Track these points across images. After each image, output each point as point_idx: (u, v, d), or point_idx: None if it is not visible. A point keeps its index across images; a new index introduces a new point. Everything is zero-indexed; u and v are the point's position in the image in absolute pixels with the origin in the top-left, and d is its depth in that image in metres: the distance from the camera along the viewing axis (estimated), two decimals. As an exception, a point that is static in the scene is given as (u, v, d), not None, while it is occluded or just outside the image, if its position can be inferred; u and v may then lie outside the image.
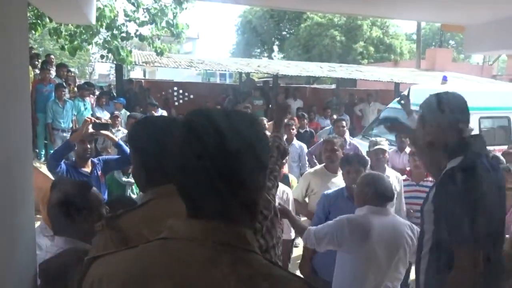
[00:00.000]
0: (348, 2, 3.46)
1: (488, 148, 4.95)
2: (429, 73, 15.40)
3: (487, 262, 1.80)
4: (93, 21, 3.45)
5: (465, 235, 1.77)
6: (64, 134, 7.34)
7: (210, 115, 0.89)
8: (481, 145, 2.03)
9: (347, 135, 6.36)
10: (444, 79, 9.98)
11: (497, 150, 7.56)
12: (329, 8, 4.28)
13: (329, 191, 3.32)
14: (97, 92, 10.99)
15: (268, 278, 0.87)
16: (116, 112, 7.56)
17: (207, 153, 0.85)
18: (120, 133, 7.06)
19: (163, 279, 0.86)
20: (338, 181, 3.65)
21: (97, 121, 3.65)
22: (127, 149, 3.71)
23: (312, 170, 4.14)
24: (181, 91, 13.38)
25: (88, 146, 3.51)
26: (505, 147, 7.99)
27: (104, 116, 8.18)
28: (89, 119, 3.47)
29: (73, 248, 1.81)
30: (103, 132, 3.70)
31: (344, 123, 6.07)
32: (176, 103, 12.90)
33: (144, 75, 31.18)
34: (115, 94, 10.79)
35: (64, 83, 8.11)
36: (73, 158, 3.57)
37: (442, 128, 2.01)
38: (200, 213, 0.90)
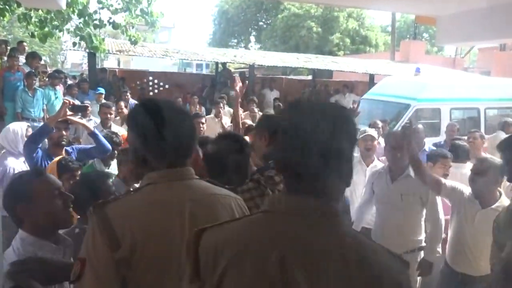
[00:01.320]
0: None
1: (459, 137, 5.06)
2: (403, 65, 15.63)
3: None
4: (63, 6, 3.36)
5: None
6: (35, 124, 7.12)
7: (317, 108, 1.06)
8: None
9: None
10: (417, 71, 10.18)
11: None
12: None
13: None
14: (69, 81, 10.72)
15: (361, 246, 1.01)
16: (87, 102, 7.37)
17: (319, 140, 0.99)
18: (91, 123, 6.91)
19: (269, 247, 0.99)
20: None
21: (75, 103, 3.56)
22: (103, 139, 3.64)
23: None
24: (156, 81, 13.18)
25: (64, 133, 3.43)
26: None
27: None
28: (67, 101, 3.39)
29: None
30: (78, 121, 3.62)
31: None
32: (151, 93, 12.71)
33: (119, 65, 30.55)
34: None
35: (34, 72, 7.86)
36: (46, 147, 3.47)
37: None
38: (300, 189, 1.03)
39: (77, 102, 8.17)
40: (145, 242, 1.25)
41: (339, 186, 1.07)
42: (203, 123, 5.39)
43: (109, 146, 3.64)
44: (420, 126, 5.38)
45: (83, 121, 3.50)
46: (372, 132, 4.28)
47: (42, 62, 9.54)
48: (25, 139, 3.52)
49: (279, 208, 1.05)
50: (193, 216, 1.32)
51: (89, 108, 7.16)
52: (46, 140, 3.48)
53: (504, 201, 2.87)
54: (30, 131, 3.69)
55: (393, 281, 0.99)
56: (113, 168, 3.67)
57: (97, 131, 3.71)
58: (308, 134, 1.00)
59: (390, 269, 1.00)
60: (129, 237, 1.24)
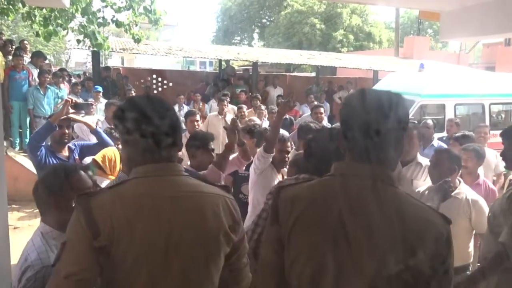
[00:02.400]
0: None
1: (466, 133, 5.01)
2: (407, 61, 15.58)
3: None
4: (67, 5, 3.37)
5: None
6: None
7: (376, 94, 1.31)
8: None
9: (325, 122, 6.42)
10: (421, 67, 10.15)
11: (471, 136, 7.77)
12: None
13: None
14: (73, 80, 10.76)
15: (409, 204, 1.26)
16: (90, 100, 7.41)
17: (377, 119, 1.24)
18: (95, 120, 6.96)
19: (332, 203, 1.25)
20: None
21: (78, 101, 3.58)
22: (105, 136, 3.69)
23: None
24: (160, 79, 13.19)
25: (66, 131, 3.44)
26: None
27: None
28: (69, 99, 3.41)
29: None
30: (81, 119, 3.64)
31: (321, 109, 6.12)
32: (155, 91, 12.73)
33: (122, 63, 30.65)
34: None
35: (46, 70, 7.93)
36: (49, 143, 3.49)
37: None
38: (361, 158, 1.27)
39: (80, 100, 8.24)
40: (123, 233, 1.29)
41: (392, 157, 1.30)
42: (197, 121, 5.44)
43: (111, 142, 3.70)
44: (429, 121, 5.38)
45: (86, 118, 3.52)
46: None
47: (47, 61, 9.59)
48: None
49: (343, 172, 1.31)
50: (173, 212, 1.35)
51: (94, 105, 7.23)
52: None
53: (463, 188, 3.02)
54: (100, 124, 3.72)
55: (437, 232, 1.22)
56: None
57: (99, 129, 3.76)
58: (369, 114, 1.25)
59: (434, 222, 1.23)
60: (108, 227, 1.28)
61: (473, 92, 8.16)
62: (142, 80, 12.82)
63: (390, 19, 30.12)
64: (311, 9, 25.99)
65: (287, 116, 8.27)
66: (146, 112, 1.38)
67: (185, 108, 9.74)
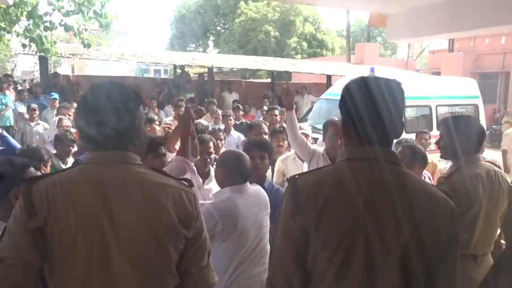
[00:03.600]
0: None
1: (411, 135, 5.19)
2: (359, 66, 16.06)
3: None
4: (10, 2, 3.21)
5: None
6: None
7: (377, 82, 1.39)
8: None
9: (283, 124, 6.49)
10: (372, 70, 10.44)
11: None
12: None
13: None
14: (19, 87, 10.28)
15: (417, 181, 1.38)
16: (33, 105, 7.10)
17: (382, 105, 1.34)
18: (40, 127, 6.68)
19: (355, 188, 1.30)
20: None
21: None
22: (12, 140, 3.75)
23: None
24: (113, 86, 12.88)
25: None
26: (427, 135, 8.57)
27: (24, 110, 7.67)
28: None
29: None
30: None
31: (276, 111, 6.18)
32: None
33: (73, 71, 29.60)
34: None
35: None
36: None
37: None
38: (367, 141, 1.35)
39: (22, 108, 7.84)
40: (59, 214, 1.28)
41: (393, 139, 1.42)
42: (158, 125, 5.36)
43: (18, 145, 3.77)
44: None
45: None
46: (307, 129, 4.55)
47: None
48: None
49: (356, 156, 1.37)
50: (113, 198, 1.32)
51: (36, 111, 6.94)
52: None
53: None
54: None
55: (451, 207, 1.33)
56: (70, 164, 3.79)
57: (5, 133, 3.82)
58: (373, 99, 1.34)
59: (445, 199, 1.34)
60: (45, 208, 1.27)
61: (420, 94, 8.51)
62: (93, 87, 12.46)
63: (341, 27, 30.99)
64: (265, 17, 26.29)
65: (243, 121, 8.33)
66: (99, 98, 1.37)
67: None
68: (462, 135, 2.45)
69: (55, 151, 3.91)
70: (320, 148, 3.53)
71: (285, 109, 3.70)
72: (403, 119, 1.43)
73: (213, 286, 1.48)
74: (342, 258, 1.27)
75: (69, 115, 5.40)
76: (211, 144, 3.33)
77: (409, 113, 8.64)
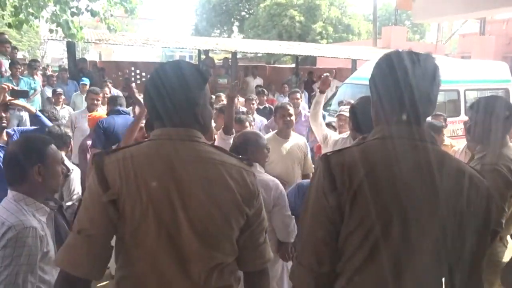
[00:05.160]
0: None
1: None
2: (385, 51, 15.68)
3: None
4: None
5: None
6: (21, 113, 6.98)
7: (411, 57, 1.35)
8: None
9: (303, 107, 6.45)
10: (398, 54, 10.25)
11: (447, 122, 7.91)
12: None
13: None
14: (48, 72, 10.53)
15: (453, 160, 1.38)
16: (59, 90, 7.28)
17: (416, 83, 1.31)
18: (65, 111, 6.86)
19: (389, 168, 1.29)
20: (289, 146, 3.84)
21: (15, 88, 3.55)
22: (46, 121, 3.68)
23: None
24: (138, 71, 13.05)
25: (3, 115, 3.33)
26: (455, 119, 8.35)
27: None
28: (5, 86, 3.35)
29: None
30: (20, 103, 3.58)
31: (298, 95, 6.14)
32: (134, 83, 12.56)
33: (100, 58, 30.14)
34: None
35: (18, 60, 7.74)
36: None
37: None
38: (402, 120, 1.33)
39: (50, 93, 8.04)
40: (130, 188, 1.33)
41: (426, 117, 1.39)
42: None
43: (51, 125, 3.68)
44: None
45: (24, 103, 3.48)
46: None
47: (21, 56, 9.36)
48: None
49: (389, 135, 1.35)
50: (182, 175, 1.37)
51: (62, 96, 7.12)
52: None
53: None
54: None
55: (485, 185, 1.33)
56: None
57: (39, 113, 3.73)
58: (408, 76, 1.30)
59: (480, 178, 1.34)
60: (118, 182, 1.33)
61: (448, 78, 8.28)
62: (120, 73, 12.65)
63: (368, 12, 30.30)
64: (290, 1, 25.97)
65: (267, 105, 8.32)
66: (167, 76, 1.43)
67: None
68: (492, 116, 2.38)
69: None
70: (336, 135, 3.72)
71: (318, 92, 3.99)
72: (435, 98, 1.37)
73: (269, 261, 1.56)
74: (377, 236, 1.27)
75: (97, 100, 5.46)
76: (247, 124, 3.68)
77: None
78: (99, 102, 5.54)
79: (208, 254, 1.39)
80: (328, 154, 1.37)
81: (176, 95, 1.41)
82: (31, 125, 3.75)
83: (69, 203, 3.11)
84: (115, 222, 1.35)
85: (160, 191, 1.34)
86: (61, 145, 3.26)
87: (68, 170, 1.99)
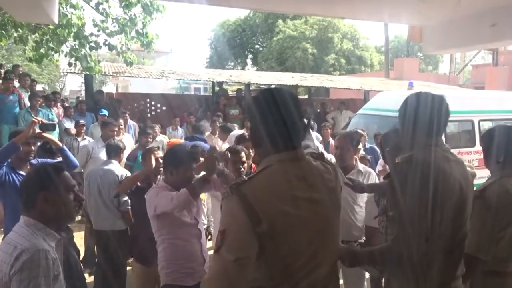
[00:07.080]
0: (308, 2, 3.55)
1: (454, 150, 5.15)
2: (397, 82, 15.80)
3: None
4: (56, 20, 3.42)
5: None
6: (38, 144, 7.14)
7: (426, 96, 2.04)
8: None
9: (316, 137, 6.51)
10: (410, 84, 10.27)
11: (462, 152, 7.81)
12: (290, 8, 4.36)
13: None
14: (66, 104, 10.79)
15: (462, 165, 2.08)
16: (81, 121, 7.46)
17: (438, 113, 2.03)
18: (86, 142, 6.98)
19: (428, 175, 1.85)
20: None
21: (44, 121, 3.61)
22: (70, 155, 3.72)
23: None
24: (153, 103, 13.28)
25: (32, 148, 3.43)
26: (470, 150, 8.25)
27: (72, 127, 8.04)
28: (36, 120, 3.42)
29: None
30: (48, 136, 3.64)
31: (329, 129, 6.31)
32: (149, 114, 12.79)
33: (117, 90, 30.85)
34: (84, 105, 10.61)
35: (37, 93, 7.99)
36: (9, 160, 3.41)
37: None
38: (430, 134, 1.99)
39: (68, 124, 8.22)
40: (281, 216, 1.46)
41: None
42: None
43: (76, 162, 3.77)
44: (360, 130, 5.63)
45: (52, 136, 3.55)
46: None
47: (41, 88, 9.66)
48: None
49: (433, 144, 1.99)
50: (312, 188, 1.56)
51: (84, 127, 7.28)
52: None
53: (359, 166, 3.67)
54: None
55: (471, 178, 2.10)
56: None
57: (65, 147, 3.77)
58: (433, 107, 1.98)
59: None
60: (269, 213, 1.45)
61: (462, 109, 8.24)
62: (135, 104, 12.89)
63: (381, 43, 30.59)
64: (303, 34, 26.44)
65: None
66: (267, 104, 1.55)
67: (180, 130, 9.80)
68: (503, 144, 2.38)
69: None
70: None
71: None
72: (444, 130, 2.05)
73: None
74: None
75: (112, 131, 5.57)
76: (242, 154, 3.44)
77: (450, 128, 8.37)
78: (115, 133, 5.64)
79: (335, 251, 1.73)
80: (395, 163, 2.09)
81: (290, 120, 1.56)
82: (38, 157, 3.79)
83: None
84: (264, 247, 1.47)
85: (300, 215, 1.53)
86: (115, 155, 4.39)
87: (82, 198, 2.00)
